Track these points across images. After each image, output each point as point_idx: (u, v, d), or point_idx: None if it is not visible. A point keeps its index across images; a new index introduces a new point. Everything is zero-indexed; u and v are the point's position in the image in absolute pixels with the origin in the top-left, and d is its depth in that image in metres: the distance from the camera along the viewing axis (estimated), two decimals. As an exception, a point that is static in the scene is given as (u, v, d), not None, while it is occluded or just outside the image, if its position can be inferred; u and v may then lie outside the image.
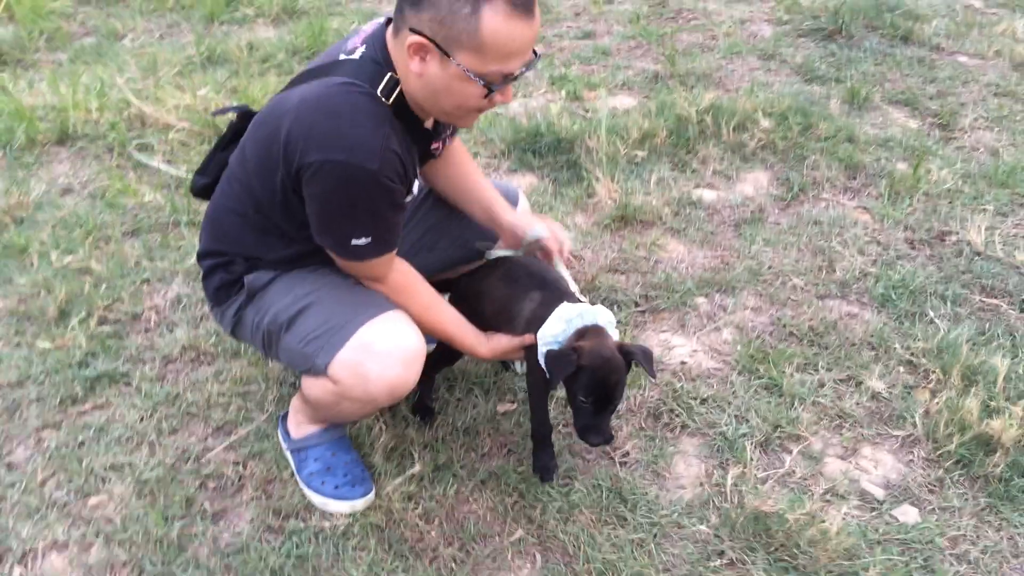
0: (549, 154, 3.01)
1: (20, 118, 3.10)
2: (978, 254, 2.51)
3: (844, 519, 1.71)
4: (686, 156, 3.01)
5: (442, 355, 1.85)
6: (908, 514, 1.75)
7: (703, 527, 1.71)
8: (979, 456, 1.84)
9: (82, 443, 1.88)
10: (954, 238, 2.58)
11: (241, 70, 3.60)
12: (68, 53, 3.89)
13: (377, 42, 1.53)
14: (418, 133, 1.61)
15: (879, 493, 1.80)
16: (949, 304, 2.31)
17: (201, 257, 1.75)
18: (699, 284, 2.40)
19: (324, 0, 4.52)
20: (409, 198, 1.61)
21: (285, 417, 1.86)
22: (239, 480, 1.80)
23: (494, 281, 1.82)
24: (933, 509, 1.76)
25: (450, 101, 1.49)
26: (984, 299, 2.35)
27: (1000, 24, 4.03)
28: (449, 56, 1.41)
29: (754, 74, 3.66)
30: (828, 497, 1.78)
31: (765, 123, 3.08)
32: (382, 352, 1.53)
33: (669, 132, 3.07)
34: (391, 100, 1.49)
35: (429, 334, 1.67)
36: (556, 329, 1.63)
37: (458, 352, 1.80)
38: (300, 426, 1.81)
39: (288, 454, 1.83)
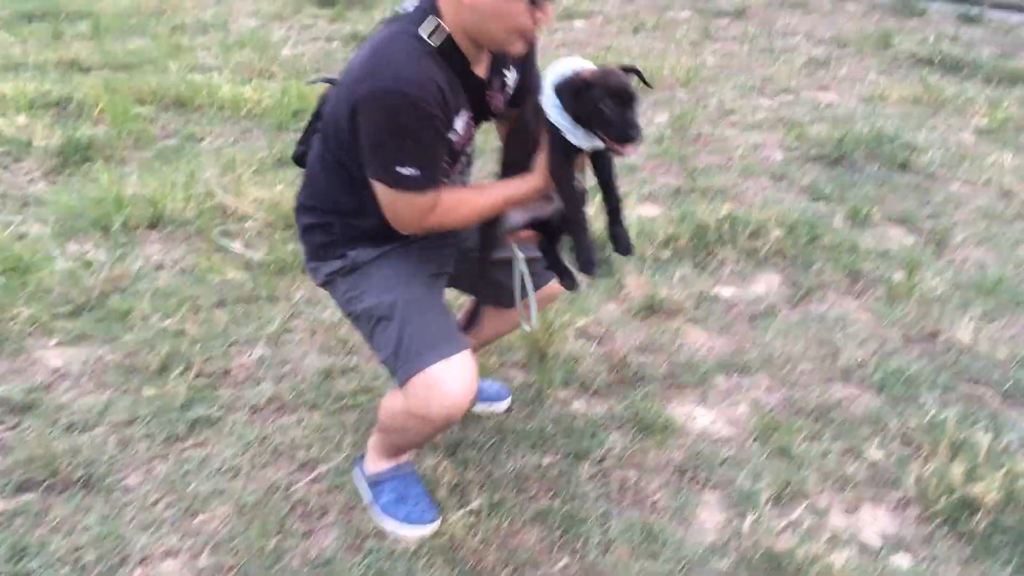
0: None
1: (119, 205, 3.52)
2: (966, 351, 2.83)
3: (846, 560, 1.98)
4: (706, 258, 3.38)
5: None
6: (902, 561, 2.02)
7: (724, 562, 1.98)
8: (964, 515, 2.11)
9: (186, 472, 2.18)
10: (944, 336, 2.91)
11: (308, 171, 4.05)
12: (153, 152, 4.36)
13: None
14: (469, 77, 1.75)
15: (876, 542, 2.07)
16: (939, 391, 2.62)
17: (298, 212, 1.99)
18: (718, 365, 2.72)
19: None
20: (454, 136, 1.74)
21: (361, 458, 2.17)
22: (323, 507, 2.09)
23: (514, 137, 1.95)
24: (924, 558, 2.03)
25: (498, 24, 1.63)
26: (970, 388, 2.66)
27: (990, 157, 4.47)
28: None
29: (766, 191, 4.08)
30: (831, 543, 2.05)
31: (776, 232, 3.47)
32: (447, 391, 1.78)
33: (690, 237, 3.46)
34: (435, 40, 1.65)
35: (492, 220, 1.89)
36: (553, 86, 1.70)
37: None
38: (376, 463, 2.11)
39: (365, 487, 2.12)
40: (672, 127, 4.95)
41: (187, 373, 2.55)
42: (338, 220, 1.91)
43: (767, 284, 3.25)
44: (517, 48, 1.71)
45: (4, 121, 4.46)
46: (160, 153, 4.34)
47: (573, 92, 1.64)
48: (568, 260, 1.97)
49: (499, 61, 1.84)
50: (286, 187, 3.77)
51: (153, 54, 6.14)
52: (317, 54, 6.33)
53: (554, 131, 1.72)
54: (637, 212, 3.76)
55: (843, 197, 3.98)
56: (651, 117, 5.10)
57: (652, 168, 4.35)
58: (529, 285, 2.07)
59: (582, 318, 2.93)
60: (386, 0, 7.96)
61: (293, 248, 3.26)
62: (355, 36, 6.76)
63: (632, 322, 2.97)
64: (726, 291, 3.18)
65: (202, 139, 4.56)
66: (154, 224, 3.52)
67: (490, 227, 1.94)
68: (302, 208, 1.99)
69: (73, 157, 4.12)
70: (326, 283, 1.99)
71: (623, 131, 1.64)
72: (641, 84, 1.78)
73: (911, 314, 3.04)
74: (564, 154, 1.75)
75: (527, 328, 2.14)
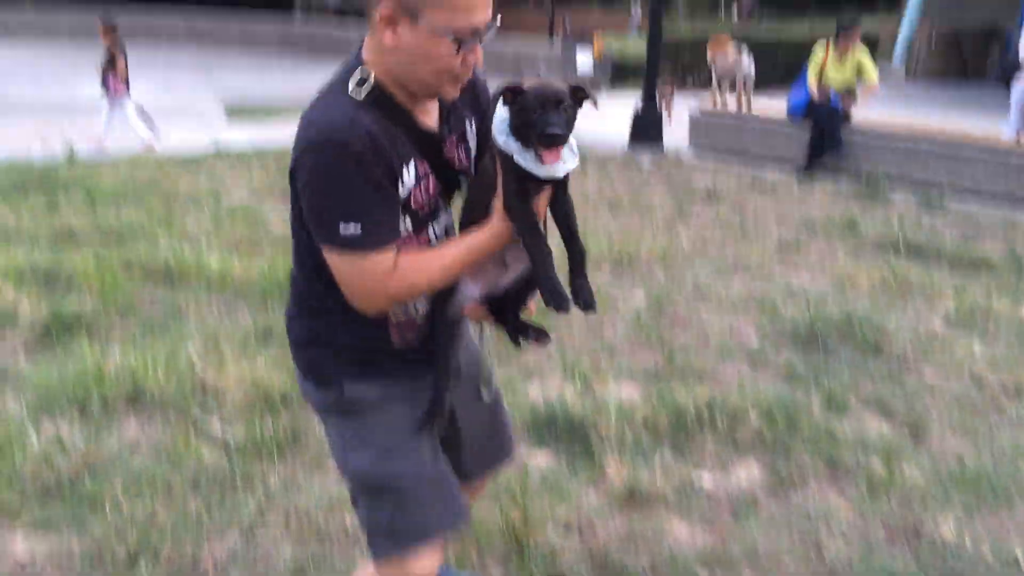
0: (563, 436, 3.40)
1: (99, 381, 3.51)
2: (950, 550, 2.80)
3: None
4: (685, 442, 3.39)
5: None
6: None
7: None
8: None
9: None
10: (928, 532, 2.89)
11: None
12: (138, 325, 4.40)
13: (355, 50, 1.65)
14: (413, 128, 1.64)
15: None
16: (926, 591, 2.58)
17: (287, 323, 1.85)
18: (702, 561, 2.68)
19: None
20: (403, 189, 1.62)
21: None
22: None
23: (473, 184, 1.81)
24: None
25: (426, 67, 1.55)
26: (957, 588, 2.62)
27: (959, 344, 4.59)
28: (417, 18, 1.50)
29: (743, 373, 4.14)
30: None
31: (754, 417, 3.50)
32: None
33: (670, 421, 3.48)
34: (363, 90, 1.57)
35: (457, 281, 1.73)
36: (504, 114, 1.61)
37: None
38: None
39: None
40: (649, 305, 5.07)
41: (155, 566, 2.47)
42: (321, 324, 1.75)
43: (748, 471, 3.24)
44: (450, 92, 1.62)
45: (-8, 292, 4.52)
46: (146, 326, 4.38)
47: (509, 98, 1.58)
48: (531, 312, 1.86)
49: (453, 111, 1.76)
50: (269, 364, 3.79)
51: (145, 224, 6.31)
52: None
53: (505, 160, 1.61)
54: (616, 392, 3.79)
55: (819, 381, 4.04)
56: (629, 294, 5.24)
57: (630, 347, 4.42)
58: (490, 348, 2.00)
59: (562, 505, 2.90)
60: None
61: (272, 427, 3.24)
62: (343, 210, 6.98)
63: (614, 512, 2.93)
64: (707, 478, 3.17)
65: (188, 312, 4.61)
66: (133, 400, 3.50)
67: (442, 304, 1.78)
68: (288, 318, 1.86)
69: (58, 330, 4.14)
70: (318, 412, 1.87)
71: (542, 130, 1.53)
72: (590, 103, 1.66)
73: (893, 508, 3.03)
74: (517, 183, 1.60)
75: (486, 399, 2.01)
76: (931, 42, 18.05)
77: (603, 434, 3.36)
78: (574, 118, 1.58)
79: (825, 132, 9.28)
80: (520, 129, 1.57)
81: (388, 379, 1.76)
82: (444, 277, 1.67)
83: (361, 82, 1.58)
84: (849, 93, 9.24)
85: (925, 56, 18.04)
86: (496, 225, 1.64)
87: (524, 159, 1.58)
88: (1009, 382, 4.12)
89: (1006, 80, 9.15)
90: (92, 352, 3.84)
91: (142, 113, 9.97)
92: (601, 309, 5.02)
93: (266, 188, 7.89)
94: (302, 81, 17.93)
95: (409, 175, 1.63)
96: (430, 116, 1.70)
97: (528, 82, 1.58)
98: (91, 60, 10.60)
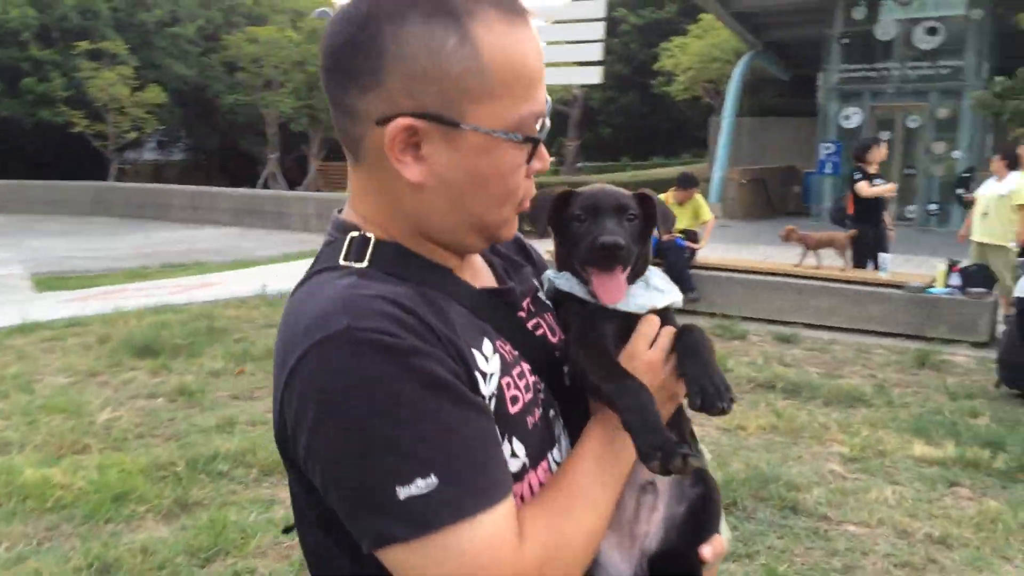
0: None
1: None
2: None
3: None
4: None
5: None
6: None
7: None
8: None
9: None
10: None
11: (137, 581, 3.30)
12: (-74, 569, 3.46)
13: (331, 226, 1.05)
14: (465, 292, 1.01)
15: None
16: None
17: None
18: None
19: (219, 488, 4.39)
20: (488, 384, 0.94)
21: None
22: None
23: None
24: None
25: (489, 191, 0.96)
26: None
27: (870, 491, 4.41)
28: (458, 122, 0.92)
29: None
30: None
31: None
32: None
33: None
34: (370, 253, 0.97)
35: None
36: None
37: None
38: None
39: None
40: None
41: None
42: None
43: None
44: (510, 229, 1.04)
45: None
46: (-64, 570, 3.44)
47: (538, 205, 1.11)
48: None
49: (508, 264, 1.18)
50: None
51: (-63, 428, 5.26)
52: (139, 415, 5.67)
53: (569, 305, 1.15)
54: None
55: (751, 553, 3.70)
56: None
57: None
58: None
59: None
60: (216, 348, 7.52)
61: None
62: (182, 390, 6.19)
63: None
64: None
65: (-5, 545, 3.71)
66: None
67: None
68: None
69: None
70: None
71: (588, 251, 1.09)
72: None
73: None
74: (588, 327, 1.11)
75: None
76: (739, 183, 19.57)
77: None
78: (642, 235, 1.16)
79: (674, 272, 9.48)
80: (567, 251, 1.15)
81: None
82: (600, 520, 0.98)
83: (358, 248, 0.98)
84: (689, 234, 9.60)
85: (736, 195, 19.48)
86: (609, 428, 1.01)
87: (585, 292, 1.14)
88: (933, 531, 3.94)
89: (839, 220, 9.78)
90: None
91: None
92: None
93: (87, 369, 6.93)
94: (120, 243, 16.88)
95: (489, 361, 0.96)
96: (477, 276, 1.09)
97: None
98: None
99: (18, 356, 7.39)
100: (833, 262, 9.36)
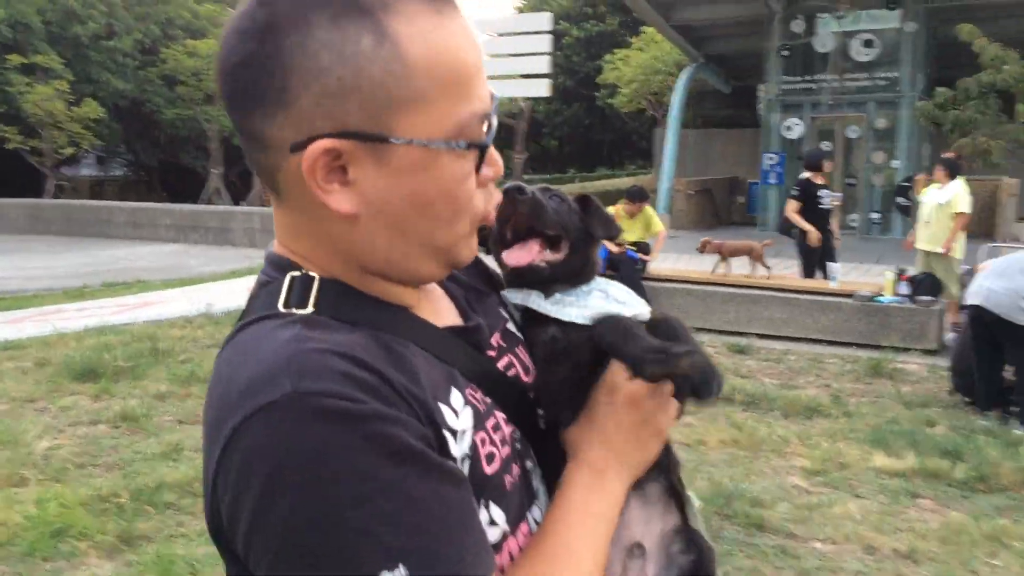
0: None
1: None
2: None
3: None
4: None
5: None
6: None
7: None
8: None
9: None
10: None
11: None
12: None
13: (266, 262, 0.91)
14: (426, 333, 0.88)
15: None
16: None
17: None
18: None
19: (166, 520, 4.18)
20: (456, 446, 0.81)
21: None
22: None
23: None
24: None
25: (435, 212, 0.82)
26: None
27: (835, 506, 4.40)
28: (387, 137, 0.78)
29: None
30: None
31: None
32: None
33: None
34: (313, 298, 0.83)
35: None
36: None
37: None
38: None
39: None
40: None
41: None
42: None
43: None
44: (469, 251, 0.90)
45: None
46: None
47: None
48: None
49: (469, 294, 1.03)
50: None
51: None
52: (80, 443, 5.41)
53: (535, 330, 1.02)
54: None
55: (727, 573, 3.64)
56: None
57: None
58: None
59: None
60: (160, 370, 7.24)
61: None
62: (125, 416, 5.92)
63: None
64: None
65: (-77, 592, 3.46)
66: None
67: None
68: None
69: None
70: None
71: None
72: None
73: None
74: (553, 354, 1.00)
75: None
76: (686, 193, 19.76)
77: None
78: (583, 235, 1.06)
79: (626, 284, 9.46)
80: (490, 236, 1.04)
81: None
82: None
83: (300, 290, 0.83)
84: (641, 247, 9.61)
85: (684, 206, 19.66)
86: (577, 453, 0.94)
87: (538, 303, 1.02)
88: (900, 545, 3.93)
89: (785, 230, 9.90)
90: None
91: None
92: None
93: (23, 396, 6.61)
94: (58, 262, 16.31)
95: (460, 416, 0.84)
96: (438, 312, 0.94)
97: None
98: None
99: (-52, 383, 7.03)
100: (742, 270, 9.67)
